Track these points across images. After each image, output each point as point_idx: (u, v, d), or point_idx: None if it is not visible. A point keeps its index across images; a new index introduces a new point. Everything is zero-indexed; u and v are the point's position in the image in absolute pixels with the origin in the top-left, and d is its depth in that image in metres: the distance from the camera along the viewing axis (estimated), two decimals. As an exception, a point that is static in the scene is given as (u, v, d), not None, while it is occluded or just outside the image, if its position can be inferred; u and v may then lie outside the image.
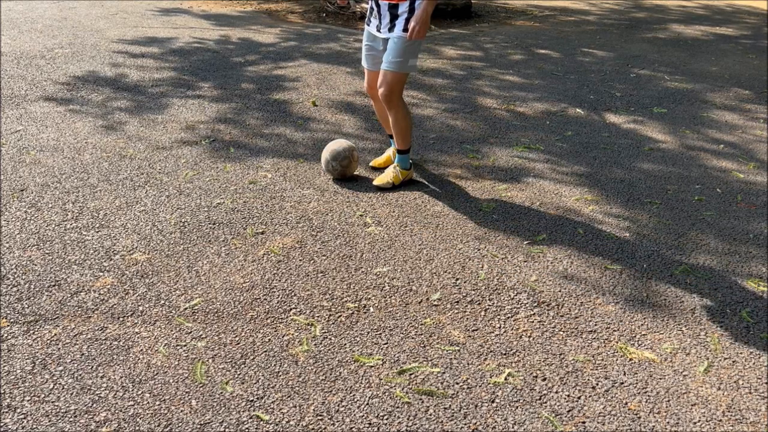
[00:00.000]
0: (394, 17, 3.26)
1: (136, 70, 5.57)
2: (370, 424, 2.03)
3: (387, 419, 2.05)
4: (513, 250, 3.02)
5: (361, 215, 3.29)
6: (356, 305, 2.60)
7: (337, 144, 3.62)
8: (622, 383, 2.23)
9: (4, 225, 3.09)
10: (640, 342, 2.44)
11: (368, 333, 2.44)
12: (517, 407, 2.11)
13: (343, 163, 3.59)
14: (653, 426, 2.06)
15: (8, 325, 2.42)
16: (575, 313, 2.59)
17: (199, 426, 2.00)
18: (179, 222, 3.17)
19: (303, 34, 7.24)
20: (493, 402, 2.13)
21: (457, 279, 2.79)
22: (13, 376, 2.17)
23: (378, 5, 3.28)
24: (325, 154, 3.62)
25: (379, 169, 3.79)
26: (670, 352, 2.39)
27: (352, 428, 2.02)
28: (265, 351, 2.33)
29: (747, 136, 4.56)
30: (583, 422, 2.06)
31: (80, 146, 4.00)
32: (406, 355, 2.33)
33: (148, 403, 2.08)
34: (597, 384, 2.22)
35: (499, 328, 2.49)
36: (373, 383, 2.20)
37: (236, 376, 2.21)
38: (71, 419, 2.01)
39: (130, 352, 2.30)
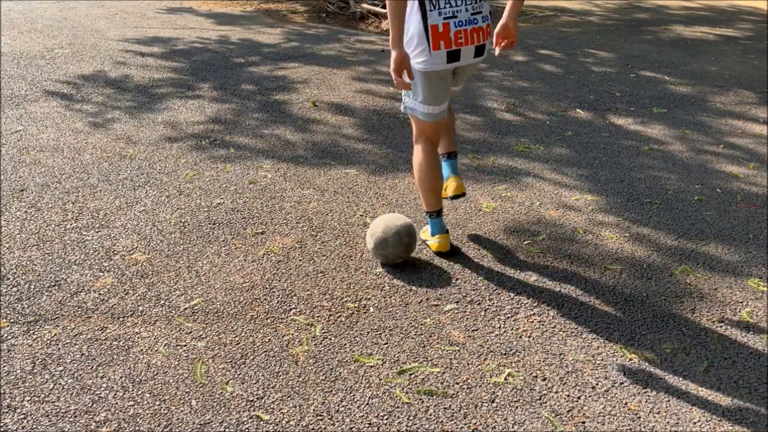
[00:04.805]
0: None
1: (137, 70, 5.57)
2: (370, 424, 2.03)
3: (387, 419, 2.05)
4: (513, 250, 3.02)
5: (361, 215, 3.29)
6: (356, 305, 2.60)
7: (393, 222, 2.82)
8: (622, 383, 2.23)
9: (4, 225, 3.09)
10: (640, 342, 2.44)
11: (368, 333, 2.44)
12: (517, 407, 2.11)
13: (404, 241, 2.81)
14: (653, 426, 2.06)
15: (8, 325, 2.42)
16: (575, 313, 2.59)
17: (199, 426, 2.00)
18: (179, 222, 3.17)
19: (304, 34, 7.24)
20: (493, 402, 2.13)
21: (457, 279, 2.79)
22: (13, 376, 2.18)
23: None
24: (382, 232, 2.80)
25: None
26: (670, 352, 2.39)
27: (352, 428, 2.01)
28: (265, 351, 2.33)
29: (747, 136, 4.56)
30: (583, 422, 2.06)
31: (80, 146, 4.00)
32: (406, 355, 2.33)
33: (148, 403, 2.08)
34: (597, 384, 2.22)
35: (499, 328, 2.49)
36: (373, 383, 2.20)
37: (236, 376, 2.21)
38: (71, 419, 2.01)
39: (130, 352, 2.30)
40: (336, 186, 3.60)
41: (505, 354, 2.35)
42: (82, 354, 2.29)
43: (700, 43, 7.46)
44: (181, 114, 4.61)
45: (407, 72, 2.58)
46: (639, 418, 2.09)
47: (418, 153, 2.83)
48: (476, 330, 2.48)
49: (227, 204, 3.36)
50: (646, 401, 2.16)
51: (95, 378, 2.18)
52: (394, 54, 2.53)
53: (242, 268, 2.82)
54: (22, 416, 2.02)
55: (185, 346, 2.34)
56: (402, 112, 2.84)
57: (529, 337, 2.45)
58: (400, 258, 2.81)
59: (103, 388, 2.14)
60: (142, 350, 2.32)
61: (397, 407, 2.10)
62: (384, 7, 7.49)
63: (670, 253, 3.04)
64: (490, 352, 2.36)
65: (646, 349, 2.40)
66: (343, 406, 2.10)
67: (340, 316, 2.54)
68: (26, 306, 2.53)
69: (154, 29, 7.12)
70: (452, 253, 2.96)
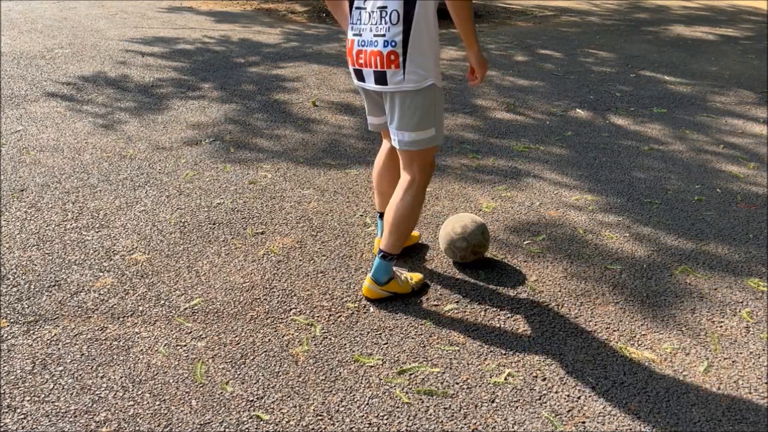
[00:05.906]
0: None
1: (137, 70, 5.57)
2: (370, 424, 2.03)
3: (387, 419, 2.05)
4: (513, 250, 3.02)
5: (361, 215, 3.29)
6: (356, 305, 2.60)
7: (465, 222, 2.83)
8: (622, 383, 2.23)
9: (4, 225, 3.09)
10: (640, 342, 2.44)
11: (368, 333, 2.44)
12: (517, 407, 2.11)
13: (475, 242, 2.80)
14: (653, 426, 2.06)
15: (8, 325, 2.42)
16: (575, 313, 2.59)
17: (199, 426, 2.00)
18: (179, 222, 3.17)
19: (303, 34, 7.24)
20: (493, 402, 2.13)
21: (457, 279, 2.79)
22: (13, 376, 2.18)
23: None
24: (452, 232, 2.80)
25: None
26: (670, 352, 2.39)
27: (352, 428, 2.01)
28: (265, 351, 2.33)
29: (747, 136, 4.56)
30: (583, 422, 2.06)
31: (80, 146, 4.00)
32: (406, 355, 2.33)
33: (148, 403, 2.08)
34: (597, 384, 2.22)
35: (499, 328, 2.49)
36: (373, 383, 2.20)
37: (236, 376, 2.21)
38: (71, 419, 2.01)
39: (130, 352, 2.30)
40: (336, 186, 3.60)
41: (505, 354, 2.35)
42: (82, 354, 2.29)
43: (700, 43, 7.46)
44: (181, 114, 4.61)
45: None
46: (639, 418, 2.09)
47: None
48: (476, 330, 2.48)
49: (227, 204, 3.36)
50: (646, 401, 2.16)
51: (95, 378, 2.18)
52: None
53: (242, 268, 2.82)
54: (22, 416, 2.02)
55: (185, 346, 2.35)
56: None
57: (529, 337, 2.45)
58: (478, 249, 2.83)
59: (103, 388, 2.14)
60: (142, 350, 2.32)
61: (397, 407, 2.10)
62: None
63: (670, 253, 3.04)
64: (490, 352, 2.36)
65: (646, 349, 2.40)
66: (343, 406, 2.10)
67: (340, 316, 2.54)
68: (26, 306, 2.53)
69: (154, 29, 7.12)
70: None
